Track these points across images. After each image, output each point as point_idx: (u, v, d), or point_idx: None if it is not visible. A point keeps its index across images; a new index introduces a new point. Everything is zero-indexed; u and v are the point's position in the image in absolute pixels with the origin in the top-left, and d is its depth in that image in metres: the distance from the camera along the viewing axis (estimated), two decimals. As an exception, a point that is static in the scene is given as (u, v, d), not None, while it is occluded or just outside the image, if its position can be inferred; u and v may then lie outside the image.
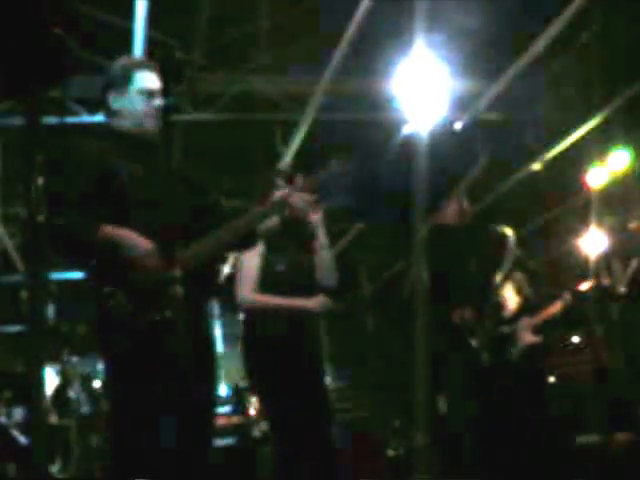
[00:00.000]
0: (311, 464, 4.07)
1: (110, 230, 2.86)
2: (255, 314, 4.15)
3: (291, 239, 4.23)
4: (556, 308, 5.88)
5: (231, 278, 4.32)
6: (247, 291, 4.12)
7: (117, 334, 2.84)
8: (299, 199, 3.18)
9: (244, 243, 3.28)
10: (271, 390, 4.13)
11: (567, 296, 5.85)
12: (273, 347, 4.10)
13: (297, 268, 4.21)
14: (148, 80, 3.03)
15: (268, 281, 4.15)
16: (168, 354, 2.80)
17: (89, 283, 2.92)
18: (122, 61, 3.14)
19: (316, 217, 4.17)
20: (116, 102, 3.07)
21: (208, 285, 3.08)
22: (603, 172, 6.57)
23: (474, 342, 5.63)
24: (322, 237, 4.25)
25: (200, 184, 3.21)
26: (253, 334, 4.19)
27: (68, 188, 2.86)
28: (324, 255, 4.25)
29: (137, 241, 2.87)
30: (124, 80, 3.05)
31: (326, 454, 4.14)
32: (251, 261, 4.14)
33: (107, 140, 3.09)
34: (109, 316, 2.84)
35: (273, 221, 3.29)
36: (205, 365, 3.02)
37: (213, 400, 3.21)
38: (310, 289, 4.20)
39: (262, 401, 4.37)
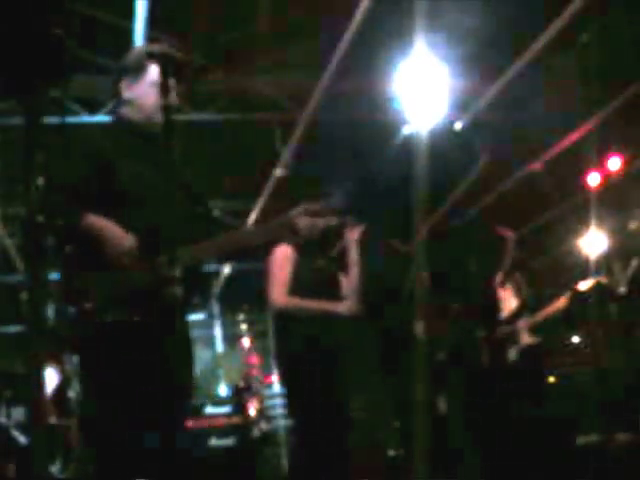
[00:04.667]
0: (326, 463, 4.18)
1: (94, 220, 2.77)
2: (287, 316, 4.29)
3: (323, 250, 4.40)
4: (554, 308, 5.89)
5: (232, 279, 4.44)
6: (279, 295, 4.28)
7: (85, 330, 2.79)
8: (305, 224, 3.04)
9: (238, 257, 3.22)
10: (298, 387, 4.25)
11: (565, 297, 5.86)
12: (303, 347, 4.23)
13: (325, 279, 4.38)
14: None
15: (297, 286, 4.29)
16: (141, 354, 2.75)
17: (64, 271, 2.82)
18: (140, 49, 3.06)
19: (352, 235, 4.36)
20: (128, 91, 2.99)
21: (195, 288, 3.00)
22: (602, 172, 6.58)
23: (474, 342, 5.64)
24: (354, 254, 4.40)
25: (198, 192, 3.16)
26: (285, 334, 4.34)
27: (59, 173, 2.72)
28: (353, 272, 4.41)
29: (119, 236, 2.78)
30: (139, 70, 2.96)
31: (341, 454, 4.26)
32: (283, 266, 4.28)
33: (111, 129, 3.03)
34: (80, 312, 2.78)
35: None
36: (185, 366, 2.95)
37: (188, 399, 3.08)
38: (335, 299, 4.36)
39: (288, 397, 4.50)
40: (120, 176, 2.88)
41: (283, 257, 4.32)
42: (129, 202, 2.86)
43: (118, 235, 2.78)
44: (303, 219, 3.03)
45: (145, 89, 2.95)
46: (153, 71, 2.95)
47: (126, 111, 3.02)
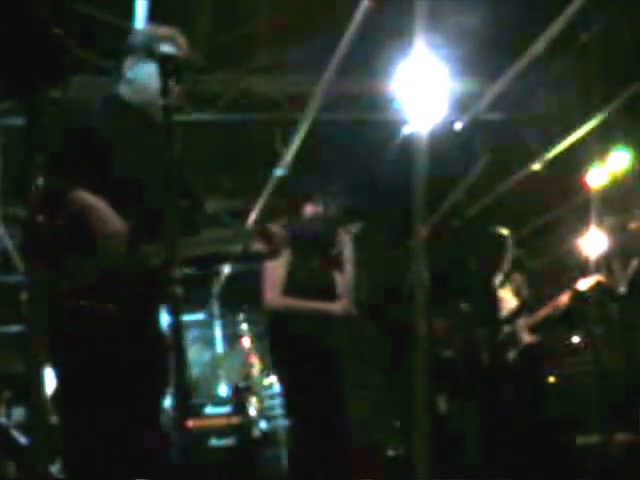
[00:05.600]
0: (326, 463, 4.19)
1: (85, 195, 2.65)
2: (281, 316, 4.31)
3: (317, 251, 4.41)
4: (554, 307, 5.89)
5: (232, 279, 4.47)
6: (274, 294, 4.30)
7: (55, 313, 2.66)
8: (280, 231, 2.98)
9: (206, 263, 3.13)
10: (296, 387, 4.27)
11: (565, 296, 5.86)
12: (298, 346, 4.25)
13: (319, 278, 4.40)
14: None
15: (292, 286, 4.31)
16: (114, 346, 2.68)
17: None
18: (148, 29, 3.00)
19: (347, 234, 4.37)
20: (131, 71, 2.93)
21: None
22: (603, 172, 6.57)
23: (447, 351, 5.65)
24: (349, 254, 4.43)
25: (193, 188, 3.09)
26: (280, 334, 4.35)
27: (55, 143, 2.63)
28: (347, 271, 4.42)
29: (109, 217, 2.66)
30: (145, 49, 2.88)
31: (341, 454, 4.27)
32: (277, 266, 4.31)
33: (110, 109, 2.91)
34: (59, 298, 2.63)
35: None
36: (155, 365, 2.82)
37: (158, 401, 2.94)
38: (330, 299, 4.37)
39: (286, 397, 4.52)
40: (116, 162, 2.79)
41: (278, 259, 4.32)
42: (124, 188, 2.77)
43: (108, 215, 2.67)
44: (278, 227, 2.97)
45: (150, 70, 2.85)
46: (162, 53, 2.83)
47: (125, 91, 2.94)
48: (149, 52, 2.85)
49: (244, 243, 3.00)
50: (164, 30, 2.98)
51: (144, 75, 2.91)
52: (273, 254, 3.03)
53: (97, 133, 2.79)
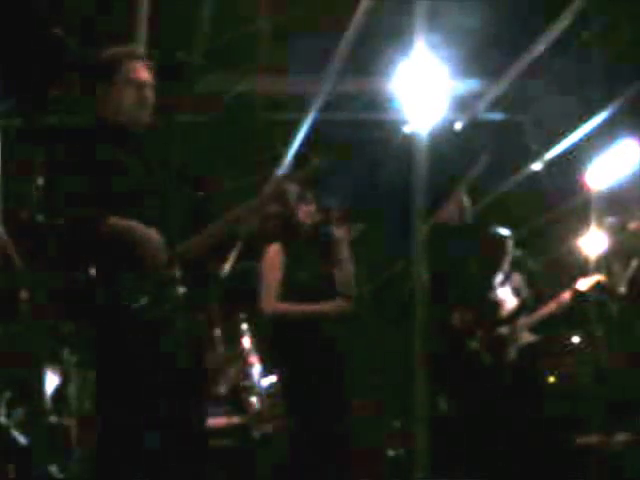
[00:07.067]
0: (326, 464, 4.19)
1: (117, 220, 2.74)
2: (280, 321, 4.29)
3: (313, 250, 4.40)
4: (554, 306, 5.89)
5: (232, 279, 4.46)
6: (268, 301, 4.28)
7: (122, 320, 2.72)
8: (290, 189, 3.10)
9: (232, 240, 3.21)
10: (296, 387, 4.27)
11: (563, 296, 5.87)
12: (299, 346, 4.24)
13: (318, 278, 4.37)
14: (136, 71, 2.95)
15: (290, 288, 4.29)
16: (163, 353, 2.75)
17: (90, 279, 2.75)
18: (110, 50, 3.05)
19: (341, 232, 4.36)
20: (102, 92, 2.98)
21: (201, 283, 3.02)
22: (609, 166, 6.52)
23: (474, 342, 5.64)
24: (344, 251, 4.41)
25: (199, 183, 3.16)
26: (280, 334, 4.35)
27: (69, 185, 2.74)
28: (345, 268, 4.41)
29: (148, 233, 2.75)
30: (111, 69, 2.95)
31: (341, 454, 4.27)
32: (273, 271, 4.29)
33: (101, 132, 2.97)
34: (116, 300, 2.71)
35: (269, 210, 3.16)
36: (198, 366, 2.97)
37: (204, 401, 3.08)
38: (330, 298, 4.35)
39: (287, 398, 4.51)
40: (115, 180, 2.85)
41: (274, 261, 4.32)
42: (125, 205, 2.82)
43: (147, 232, 2.76)
44: (290, 186, 3.07)
45: (119, 88, 2.94)
46: (127, 69, 2.94)
47: (102, 112, 2.99)
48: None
49: (259, 209, 3.08)
50: (125, 49, 3.07)
51: (114, 94, 2.96)
52: (288, 210, 3.11)
53: (99, 164, 2.86)
